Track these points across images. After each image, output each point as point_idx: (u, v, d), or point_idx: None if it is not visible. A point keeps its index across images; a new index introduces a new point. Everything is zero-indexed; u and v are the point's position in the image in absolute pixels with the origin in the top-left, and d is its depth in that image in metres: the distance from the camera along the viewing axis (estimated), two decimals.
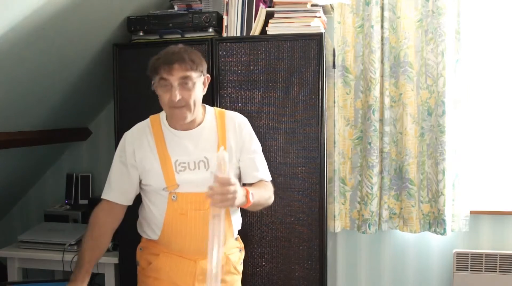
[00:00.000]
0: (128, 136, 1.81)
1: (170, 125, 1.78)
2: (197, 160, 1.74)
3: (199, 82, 1.70)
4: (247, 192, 1.64)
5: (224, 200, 1.51)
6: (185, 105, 1.66)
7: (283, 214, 2.35)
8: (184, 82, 1.64)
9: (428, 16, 2.65)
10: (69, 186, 3.18)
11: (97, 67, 2.68)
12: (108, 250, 2.66)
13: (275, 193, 2.33)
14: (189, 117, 1.70)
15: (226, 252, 1.82)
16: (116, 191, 1.77)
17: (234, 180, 1.54)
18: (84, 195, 3.16)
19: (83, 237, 1.75)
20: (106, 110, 3.17)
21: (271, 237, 2.36)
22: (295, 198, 2.33)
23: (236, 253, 1.90)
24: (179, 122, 1.73)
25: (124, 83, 2.49)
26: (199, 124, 1.78)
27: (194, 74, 1.66)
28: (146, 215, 1.82)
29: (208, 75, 1.77)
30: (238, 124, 1.83)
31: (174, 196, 1.72)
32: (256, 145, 1.88)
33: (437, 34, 2.61)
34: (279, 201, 2.34)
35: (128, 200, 1.81)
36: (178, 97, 1.63)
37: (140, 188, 1.83)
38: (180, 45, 1.72)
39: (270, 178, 1.92)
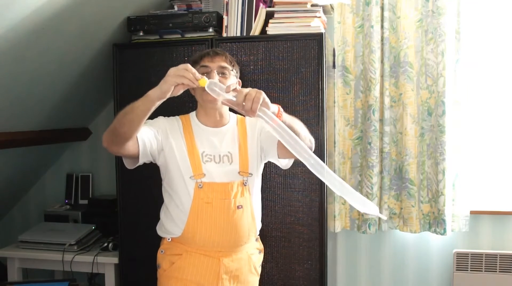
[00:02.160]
0: (162, 118, 1.89)
1: (200, 121, 1.87)
2: (221, 154, 1.82)
3: (233, 80, 1.84)
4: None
5: (252, 98, 1.49)
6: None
7: (283, 214, 2.35)
8: (222, 71, 1.80)
9: (428, 16, 2.65)
10: (69, 186, 3.18)
11: (97, 67, 2.68)
12: (108, 250, 2.67)
13: (275, 193, 2.35)
14: (220, 102, 1.78)
15: (248, 252, 1.87)
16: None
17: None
18: (84, 195, 3.16)
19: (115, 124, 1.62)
20: (106, 110, 3.17)
21: (271, 237, 2.36)
22: (295, 198, 2.33)
23: (256, 254, 1.93)
24: (212, 105, 1.80)
25: (124, 83, 2.49)
26: (225, 124, 1.88)
27: (230, 69, 1.83)
28: (171, 210, 1.83)
29: (239, 80, 1.91)
30: (255, 123, 1.91)
31: (200, 185, 1.77)
32: None
33: (437, 34, 2.61)
34: (279, 201, 2.34)
35: (143, 141, 1.72)
36: (217, 78, 1.75)
37: (167, 182, 1.85)
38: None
39: None
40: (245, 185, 1.82)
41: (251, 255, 1.88)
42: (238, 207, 1.78)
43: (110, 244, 2.68)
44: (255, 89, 1.51)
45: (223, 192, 1.78)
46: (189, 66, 1.55)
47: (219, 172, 1.79)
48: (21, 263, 2.76)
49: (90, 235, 2.78)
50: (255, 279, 1.92)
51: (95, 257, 2.61)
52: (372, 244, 2.94)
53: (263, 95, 1.50)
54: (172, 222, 1.83)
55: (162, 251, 1.86)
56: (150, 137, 1.75)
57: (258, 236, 1.96)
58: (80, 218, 2.92)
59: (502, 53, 2.74)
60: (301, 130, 1.67)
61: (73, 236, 2.69)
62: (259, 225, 1.93)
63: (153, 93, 1.56)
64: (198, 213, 1.77)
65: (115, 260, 2.59)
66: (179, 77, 1.53)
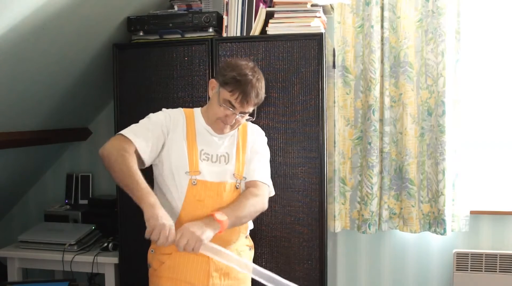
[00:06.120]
0: (167, 112, 1.89)
1: (204, 120, 1.87)
2: (219, 154, 1.84)
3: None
4: (216, 220, 1.67)
5: (187, 247, 1.60)
6: (231, 125, 1.82)
7: (283, 214, 2.35)
8: (243, 115, 1.80)
9: (428, 16, 2.66)
10: (69, 186, 3.18)
11: (97, 67, 2.68)
12: (108, 250, 2.67)
13: (275, 193, 2.34)
14: (226, 133, 1.85)
15: (238, 249, 1.88)
16: (141, 138, 1.75)
17: (181, 231, 1.63)
18: (84, 195, 3.16)
19: (112, 169, 1.66)
20: (106, 110, 3.17)
21: (271, 237, 2.36)
22: (295, 198, 2.33)
23: (247, 251, 1.94)
24: (216, 131, 1.85)
25: (124, 83, 2.49)
26: None
27: (250, 112, 1.82)
28: (163, 205, 1.81)
29: (250, 117, 1.90)
30: (257, 132, 1.98)
31: (194, 182, 1.78)
32: (264, 150, 1.97)
33: (437, 34, 2.61)
34: (279, 201, 2.34)
35: (147, 155, 1.76)
36: (232, 123, 1.79)
37: (161, 177, 1.84)
38: (256, 73, 1.78)
39: (269, 183, 1.94)
40: (237, 188, 1.83)
41: (241, 252, 1.89)
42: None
43: (110, 244, 2.68)
44: (193, 240, 1.59)
45: (216, 191, 1.79)
46: (165, 237, 1.59)
47: (212, 171, 1.80)
48: (21, 263, 2.76)
49: (90, 235, 2.78)
50: (246, 276, 1.91)
51: (95, 257, 2.61)
52: (372, 244, 2.94)
53: (200, 244, 1.60)
54: None
55: (152, 251, 1.88)
56: (153, 146, 1.77)
57: (248, 235, 1.97)
58: (80, 218, 2.92)
59: (502, 53, 2.74)
60: (248, 216, 1.79)
61: (73, 236, 2.69)
62: (250, 225, 1.95)
63: (144, 208, 1.63)
64: (189, 211, 1.77)
65: (115, 260, 2.59)
66: (157, 238, 1.59)
